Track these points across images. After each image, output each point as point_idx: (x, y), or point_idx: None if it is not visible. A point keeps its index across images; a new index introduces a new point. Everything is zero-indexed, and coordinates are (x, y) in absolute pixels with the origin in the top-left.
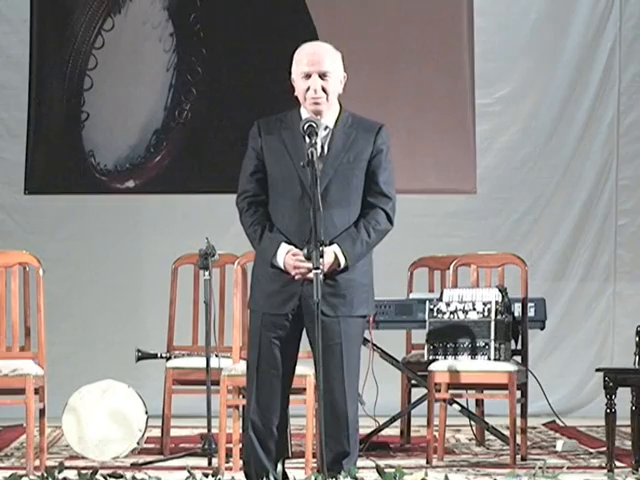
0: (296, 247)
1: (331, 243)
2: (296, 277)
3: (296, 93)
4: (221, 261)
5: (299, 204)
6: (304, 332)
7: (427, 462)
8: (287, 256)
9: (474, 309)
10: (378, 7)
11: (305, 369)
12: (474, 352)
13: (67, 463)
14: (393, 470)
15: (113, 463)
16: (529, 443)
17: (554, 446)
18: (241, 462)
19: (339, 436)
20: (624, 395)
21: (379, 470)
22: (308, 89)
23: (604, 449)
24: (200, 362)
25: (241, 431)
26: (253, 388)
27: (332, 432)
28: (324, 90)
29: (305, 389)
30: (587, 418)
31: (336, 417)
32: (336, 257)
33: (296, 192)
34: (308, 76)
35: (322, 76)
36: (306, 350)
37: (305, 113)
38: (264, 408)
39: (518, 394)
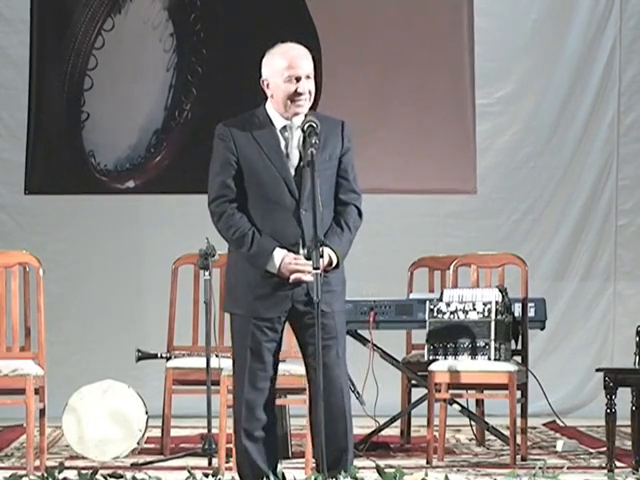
0: (287, 250)
1: None
2: (291, 281)
3: (272, 94)
4: (221, 261)
5: (285, 207)
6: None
7: (427, 462)
8: (284, 261)
9: (474, 309)
10: (378, 7)
11: (304, 369)
12: (474, 352)
13: (67, 463)
14: (393, 470)
15: (113, 463)
16: (529, 443)
17: (554, 446)
18: (237, 467)
19: (339, 432)
20: (624, 395)
21: (379, 470)
22: (295, 92)
23: (604, 449)
24: (200, 362)
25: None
26: (244, 393)
27: (332, 428)
28: (309, 91)
29: (305, 389)
30: (587, 418)
31: (335, 414)
32: (329, 256)
33: (280, 194)
34: (295, 79)
35: (307, 78)
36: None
37: (274, 113)
38: (256, 412)
39: (518, 394)
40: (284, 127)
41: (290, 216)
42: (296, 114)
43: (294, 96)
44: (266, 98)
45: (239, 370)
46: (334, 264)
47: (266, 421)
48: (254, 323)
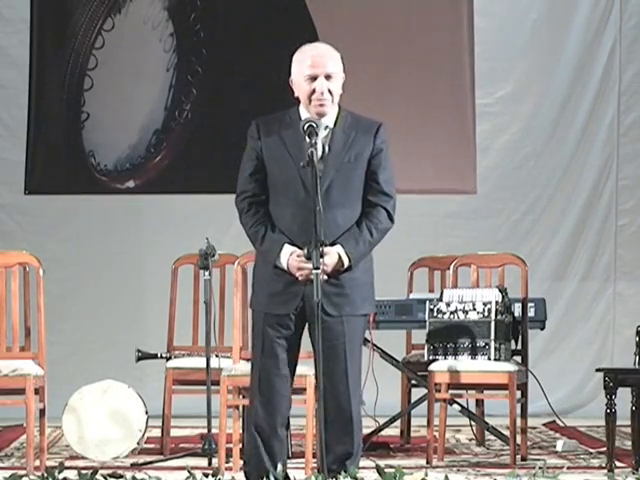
0: (299, 248)
1: (334, 243)
2: (299, 278)
3: (297, 94)
4: (221, 261)
5: (301, 204)
6: (304, 332)
7: (427, 462)
8: (291, 257)
9: (474, 309)
10: (378, 7)
11: (305, 369)
12: (474, 352)
13: (67, 463)
14: (393, 470)
15: (113, 463)
16: (529, 443)
17: (554, 446)
18: (242, 462)
19: (344, 437)
20: (624, 395)
21: (379, 470)
22: (314, 91)
23: (604, 449)
24: (200, 362)
25: (241, 431)
26: (257, 390)
27: (336, 433)
28: (329, 92)
29: (305, 389)
30: (587, 418)
31: (340, 418)
32: (340, 257)
33: (298, 192)
34: (314, 78)
35: (327, 77)
36: (306, 350)
37: (305, 113)
38: (268, 410)
39: (518, 394)
40: None
41: (305, 213)
42: (320, 114)
43: (312, 95)
44: (297, 99)
45: (254, 366)
46: (345, 266)
47: (278, 419)
48: (266, 320)
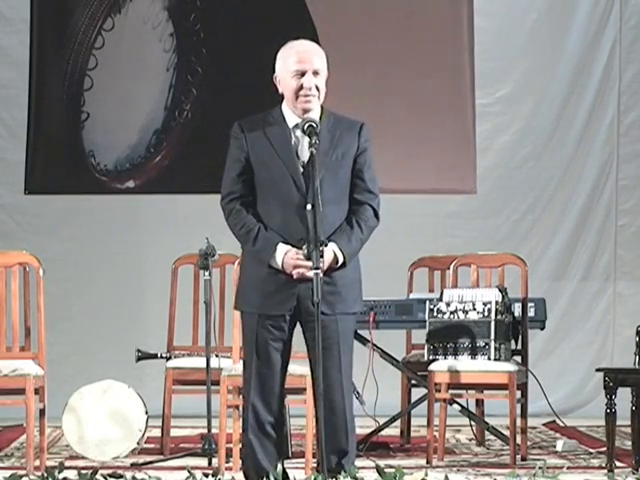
0: (292, 247)
1: (328, 239)
2: (295, 277)
3: (282, 91)
4: (221, 261)
5: (293, 203)
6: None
7: (427, 462)
8: (286, 256)
9: (474, 309)
10: (378, 7)
11: (305, 369)
12: (474, 352)
13: (67, 463)
14: (393, 470)
15: (113, 463)
16: (529, 443)
17: (554, 446)
18: (241, 462)
19: (338, 435)
20: (624, 395)
21: (379, 470)
22: (301, 87)
23: (604, 449)
24: (200, 362)
25: (241, 431)
26: (250, 390)
27: (331, 431)
28: (316, 88)
29: (305, 389)
30: (587, 418)
31: (334, 416)
32: (335, 255)
33: (289, 191)
34: (301, 74)
35: (314, 74)
36: (303, 350)
37: (288, 110)
38: (262, 409)
39: (518, 394)
40: (296, 125)
41: (296, 212)
42: (305, 110)
43: (300, 91)
44: (282, 97)
45: (247, 368)
46: (340, 262)
47: (273, 419)
48: (259, 321)
